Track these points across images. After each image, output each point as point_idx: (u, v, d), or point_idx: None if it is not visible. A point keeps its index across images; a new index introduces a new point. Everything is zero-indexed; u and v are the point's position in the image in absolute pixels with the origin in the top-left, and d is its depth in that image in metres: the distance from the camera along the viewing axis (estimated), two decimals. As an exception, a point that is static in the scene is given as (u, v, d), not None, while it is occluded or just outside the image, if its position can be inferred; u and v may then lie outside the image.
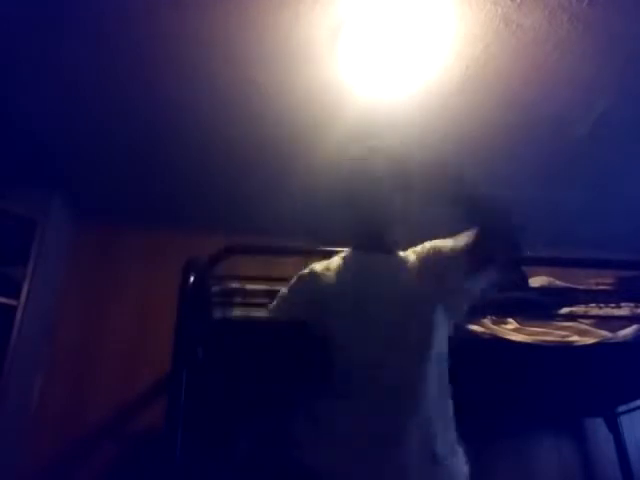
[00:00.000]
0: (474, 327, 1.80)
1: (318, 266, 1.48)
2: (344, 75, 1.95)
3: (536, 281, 2.15)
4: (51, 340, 2.50)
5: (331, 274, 1.43)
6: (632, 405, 2.61)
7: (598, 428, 2.72)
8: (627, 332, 1.82)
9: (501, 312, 1.89)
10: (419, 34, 1.78)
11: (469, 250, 1.32)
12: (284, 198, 2.57)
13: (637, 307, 1.95)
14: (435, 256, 1.40)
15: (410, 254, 1.47)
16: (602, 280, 2.19)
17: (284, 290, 1.53)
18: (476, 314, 1.85)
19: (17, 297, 2.21)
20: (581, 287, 2.18)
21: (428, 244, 1.47)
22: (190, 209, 2.77)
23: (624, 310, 1.95)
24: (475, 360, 1.92)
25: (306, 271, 1.49)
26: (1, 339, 2.12)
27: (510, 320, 1.89)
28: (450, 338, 1.80)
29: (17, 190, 2.32)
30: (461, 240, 1.36)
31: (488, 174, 2.52)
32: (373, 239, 1.46)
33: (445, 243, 1.42)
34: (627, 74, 1.96)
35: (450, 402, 1.35)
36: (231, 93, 2.04)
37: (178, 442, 1.52)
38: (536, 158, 2.41)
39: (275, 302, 1.53)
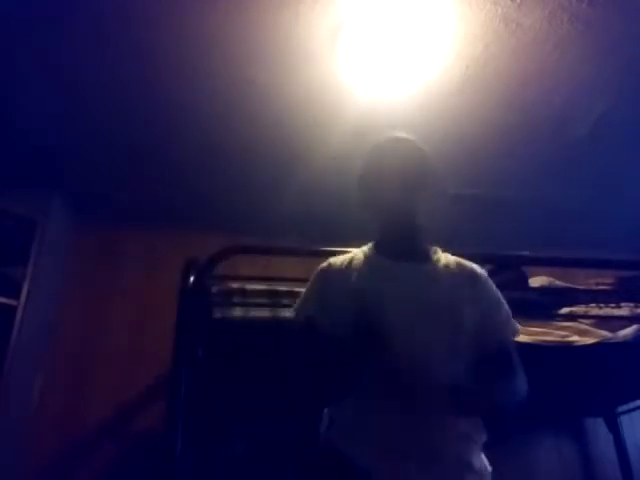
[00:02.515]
0: (474, 327, 1.80)
1: (336, 260, 1.29)
2: (344, 75, 1.95)
3: (536, 281, 2.15)
4: (51, 340, 2.50)
5: (354, 273, 1.22)
6: (632, 405, 2.61)
7: (598, 428, 2.72)
8: (627, 332, 1.82)
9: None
10: (419, 34, 1.78)
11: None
12: (284, 198, 2.57)
13: (637, 307, 1.95)
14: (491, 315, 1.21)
15: (460, 266, 1.27)
16: (602, 280, 2.19)
17: (307, 290, 1.30)
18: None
19: (17, 297, 2.21)
20: (581, 287, 2.18)
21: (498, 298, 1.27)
22: (190, 209, 2.77)
23: (624, 310, 1.95)
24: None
25: (324, 265, 1.28)
26: (1, 339, 2.12)
27: (510, 320, 1.89)
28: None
29: (17, 190, 2.32)
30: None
31: (488, 174, 2.53)
32: (403, 246, 1.24)
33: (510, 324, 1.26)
34: (627, 74, 1.96)
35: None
36: (231, 93, 2.04)
37: (178, 442, 1.53)
38: (536, 158, 2.42)
39: (299, 303, 1.30)
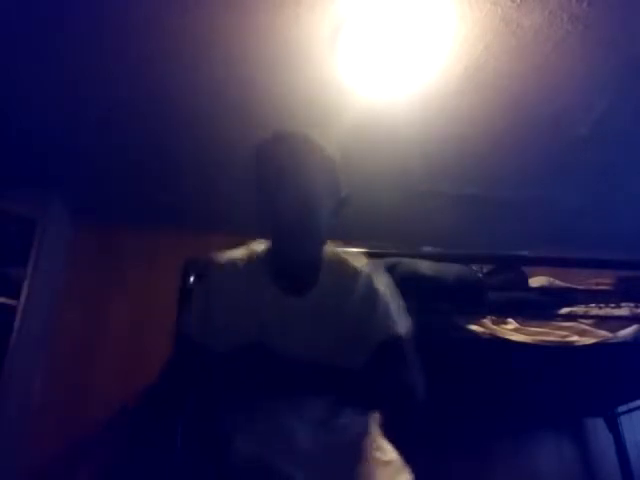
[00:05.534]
0: (474, 327, 1.80)
1: (225, 261, 1.18)
2: (344, 75, 1.95)
3: (536, 281, 2.15)
4: (51, 340, 2.50)
5: (239, 283, 1.13)
6: (632, 405, 2.61)
7: (598, 428, 2.72)
8: (627, 332, 1.82)
9: (501, 312, 1.89)
10: (419, 34, 1.78)
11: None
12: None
13: (637, 307, 1.95)
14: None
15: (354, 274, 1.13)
16: (602, 280, 2.19)
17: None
18: (476, 314, 1.85)
19: (17, 297, 2.21)
20: (581, 287, 2.18)
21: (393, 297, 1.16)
22: (190, 209, 2.77)
23: (624, 310, 1.95)
24: (475, 360, 1.93)
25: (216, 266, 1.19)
26: (1, 339, 2.12)
27: (510, 320, 1.89)
28: (449, 338, 1.80)
29: (17, 190, 2.32)
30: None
31: (488, 174, 2.53)
32: (289, 275, 1.13)
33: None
34: (627, 74, 1.96)
35: None
36: (231, 93, 2.04)
37: (178, 442, 1.53)
38: (536, 158, 2.41)
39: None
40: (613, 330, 1.84)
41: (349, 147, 2.27)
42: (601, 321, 1.90)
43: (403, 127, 2.18)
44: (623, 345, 1.81)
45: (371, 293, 1.12)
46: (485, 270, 2.13)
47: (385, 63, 1.88)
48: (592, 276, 2.27)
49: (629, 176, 2.57)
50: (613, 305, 1.99)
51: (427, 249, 2.24)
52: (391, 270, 1.85)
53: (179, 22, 1.74)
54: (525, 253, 2.11)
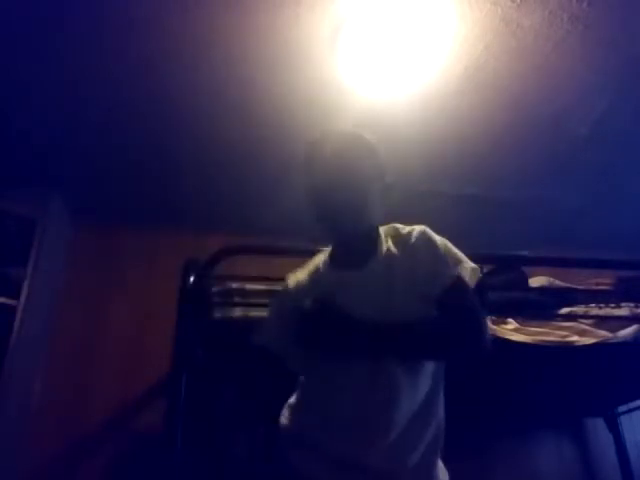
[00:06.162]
0: (474, 327, 1.80)
1: (293, 279, 1.28)
2: (344, 75, 1.95)
3: (536, 281, 2.15)
4: (51, 340, 2.50)
5: (303, 289, 1.21)
6: (632, 405, 2.61)
7: (598, 428, 2.72)
8: (627, 332, 1.82)
9: (501, 312, 1.89)
10: (419, 34, 1.78)
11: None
12: (284, 198, 2.57)
13: (637, 307, 1.95)
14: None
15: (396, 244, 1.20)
16: (602, 280, 2.19)
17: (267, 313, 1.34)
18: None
19: (17, 297, 2.21)
20: (581, 287, 2.18)
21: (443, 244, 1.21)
22: (190, 209, 2.77)
23: (624, 310, 1.95)
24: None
25: (281, 287, 1.30)
26: (1, 339, 2.12)
27: (510, 320, 1.89)
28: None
29: (17, 190, 2.32)
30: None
31: (488, 174, 2.53)
32: (346, 253, 1.21)
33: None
34: (627, 74, 1.96)
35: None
36: (231, 93, 2.04)
37: (178, 442, 1.53)
38: (536, 158, 2.42)
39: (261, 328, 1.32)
40: (613, 330, 1.84)
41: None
42: (601, 321, 1.90)
43: (403, 127, 2.18)
44: (623, 345, 1.81)
45: (427, 245, 1.18)
46: (485, 270, 2.13)
47: (385, 63, 1.88)
48: (592, 276, 2.27)
49: (629, 176, 2.57)
50: (613, 305, 1.98)
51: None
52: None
53: (179, 22, 1.75)
54: (525, 253, 2.10)
